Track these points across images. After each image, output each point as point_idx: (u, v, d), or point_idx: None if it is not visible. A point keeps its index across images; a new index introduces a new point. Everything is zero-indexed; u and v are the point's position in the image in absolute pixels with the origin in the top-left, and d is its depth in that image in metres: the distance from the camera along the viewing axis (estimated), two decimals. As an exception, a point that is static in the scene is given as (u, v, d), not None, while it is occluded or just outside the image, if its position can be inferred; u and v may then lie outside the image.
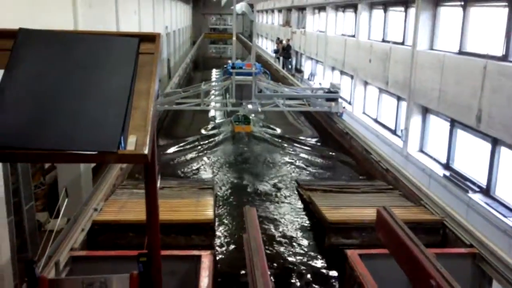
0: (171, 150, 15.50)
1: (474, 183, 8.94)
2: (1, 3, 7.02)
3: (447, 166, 10.03)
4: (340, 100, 16.72)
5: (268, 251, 7.08)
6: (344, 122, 16.16)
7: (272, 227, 10.20)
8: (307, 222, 10.51)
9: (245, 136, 15.94)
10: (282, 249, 9.41)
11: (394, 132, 12.99)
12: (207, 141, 16.37)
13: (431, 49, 11.02)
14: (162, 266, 3.90)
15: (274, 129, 18.55)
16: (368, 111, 15.54)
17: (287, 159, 14.71)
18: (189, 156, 14.78)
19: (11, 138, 2.24)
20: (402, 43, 12.67)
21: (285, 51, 28.49)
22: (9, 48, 2.54)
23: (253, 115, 17.65)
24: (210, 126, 18.87)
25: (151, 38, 2.78)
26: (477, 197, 8.53)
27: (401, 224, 6.35)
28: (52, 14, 9.14)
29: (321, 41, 21.19)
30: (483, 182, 8.75)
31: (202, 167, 13.83)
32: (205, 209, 9.26)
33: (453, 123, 9.83)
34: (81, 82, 2.47)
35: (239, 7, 52.82)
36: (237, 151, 15.01)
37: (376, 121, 14.51)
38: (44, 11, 8.72)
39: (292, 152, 15.46)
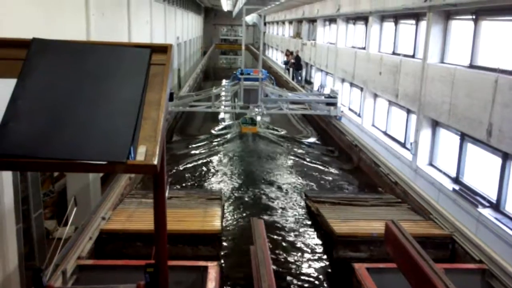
0: (184, 146, 17.22)
1: (484, 198, 8.86)
2: (16, 13, 7.12)
3: (456, 180, 9.95)
4: (339, 105, 17.93)
5: (273, 257, 7.01)
6: (353, 134, 16.14)
7: (270, 204, 12.05)
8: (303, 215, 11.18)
9: (251, 135, 17.35)
10: (289, 258, 9.37)
11: (403, 145, 12.93)
12: (217, 139, 17.99)
13: (442, 62, 10.99)
14: (169, 277, 3.89)
15: (278, 130, 19.97)
16: (377, 124, 15.50)
17: (286, 154, 16.53)
18: (199, 151, 16.49)
19: (23, 147, 2.25)
20: (413, 56, 12.65)
21: (295, 63, 28.58)
22: (23, 58, 2.57)
23: (259, 117, 19.10)
24: (219, 127, 20.42)
25: (163, 49, 2.80)
26: (487, 212, 8.44)
27: (410, 238, 6.31)
28: (65, 23, 9.24)
29: (331, 53, 21.22)
30: (493, 197, 8.66)
31: (211, 160, 15.46)
32: (213, 219, 9.25)
33: (463, 137, 9.77)
34: (93, 92, 2.49)
35: (250, 19, 53.12)
36: (244, 148, 16.62)
37: (385, 133, 14.46)
38: (58, 20, 8.83)
39: (292, 149, 17.28)
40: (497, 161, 8.57)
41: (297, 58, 28.52)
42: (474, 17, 9.67)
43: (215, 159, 15.56)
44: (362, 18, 17.42)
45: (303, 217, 11.25)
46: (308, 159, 15.96)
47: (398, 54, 13.64)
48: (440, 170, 10.74)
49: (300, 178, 14.04)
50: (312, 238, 10.27)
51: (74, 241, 7.71)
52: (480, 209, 8.54)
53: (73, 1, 9.82)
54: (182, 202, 10.22)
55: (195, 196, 10.76)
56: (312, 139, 19.45)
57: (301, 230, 10.59)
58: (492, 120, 8.42)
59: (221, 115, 22.70)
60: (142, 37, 17.07)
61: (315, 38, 25.59)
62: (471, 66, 9.68)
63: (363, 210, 10.22)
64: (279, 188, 13.09)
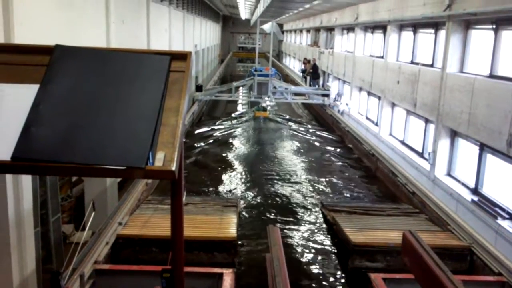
0: (211, 124, 22.82)
1: (503, 209, 8.72)
2: (40, 20, 7.25)
3: (475, 191, 9.82)
4: (331, 96, 22.75)
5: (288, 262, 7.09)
6: (370, 142, 16.06)
7: (273, 155, 17.70)
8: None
9: (262, 118, 23.37)
10: (304, 266, 9.32)
11: (421, 154, 12.81)
12: (236, 120, 23.90)
13: (461, 71, 10.89)
14: (184, 283, 3.90)
15: (283, 115, 25.80)
16: (395, 133, 15.39)
17: (287, 129, 22.47)
18: (223, 126, 22.24)
19: (44, 152, 2.29)
20: (431, 65, 12.56)
21: (312, 71, 28.54)
22: (45, 64, 2.62)
23: (269, 107, 25.36)
24: (238, 112, 26.61)
25: (182, 56, 2.83)
26: (507, 224, 8.31)
27: (428, 249, 6.24)
28: (87, 30, 9.39)
29: (349, 61, 21.17)
30: (513, 209, 8.54)
31: (232, 132, 21.04)
32: (228, 226, 9.26)
33: (483, 147, 9.65)
34: (113, 98, 2.52)
35: (268, 27, 53.28)
36: (257, 126, 22.51)
37: (403, 143, 14.35)
38: (79, 27, 8.97)
39: (291, 127, 22.96)
40: (517, 172, 8.45)
41: (315, 67, 28.49)
42: (494, 26, 9.58)
43: (235, 132, 21.19)
44: (380, 27, 17.36)
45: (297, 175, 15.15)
46: (302, 133, 21.43)
47: (417, 63, 13.56)
48: (458, 181, 10.62)
49: (295, 142, 19.61)
50: (328, 247, 10.21)
51: (91, 246, 7.78)
52: (500, 221, 8.42)
53: (94, 8, 9.96)
54: (198, 208, 10.26)
55: (211, 203, 10.79)
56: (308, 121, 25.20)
57: (317, 237, 10.54)
58: (512, 131, 8.31)
59: (239, 103, 29.25)
60: (161, 44, 17.24)
61: (333, 47, 25.56)
62: (491, 76, 9.58)
63: (380, 219, 10.14)
64: (280, 147, 19.00)
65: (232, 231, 9.07)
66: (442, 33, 11.95)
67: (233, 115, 25.34)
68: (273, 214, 11.82)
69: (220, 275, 7.09)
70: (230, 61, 61.75)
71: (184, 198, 3.33)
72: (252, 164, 16.17)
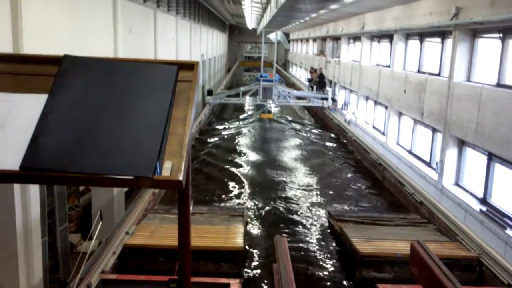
0: (221, 124, 25.39)
1: (512, 220, 8.65)
2: (48, 31, 7.31)
3: (483, 201, 9.75)
4: (329, 100, 24.46)
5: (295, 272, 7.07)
6: (377, 152, 16.01)
7: (278, 148, 20.45)
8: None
9: (267, 120, 25.61)
10: (311, 277, 9.26)
11: (428, 164, 12.75)
12: (243, 121, 26.14)
13: (468, 80, 10.85)
14: (192, 293, 3.88)
15: (286, 117, 28.03)
16: (402, 142, 15.34)
17: (289, 129, 24.79)
18: (231, 126, 24.75)
19: (52, 161, 2.29)
20: (438, 74, 12.53)
21: (319, 80, 28.56)
22: (54, 74, 2.63)
23: (273, 110, 28.11)
24: (245, 115, 28.67)
25: (190, 66, 2.83)
26: (516, 234, 8.23)
27: (436, 259, 6.18)
28: (94, 39, 9.45)
29: (356, 70, 21.18)
30: (523, 219, 8.46)
31: (240, 131, 23.51)
32: (235, 236, 9.23)
33: (491, 156, 9.59)
34: (121, 107, 2.53)
35: (274, 36, 53.47)
36: (262, 126, 24.77)
37: (410, 152, 14.29)
38: (87, 36, 9.03)
39: (294, 127, 25.30)
40: (526, 182, 8.38)
41: (321, 76, 28.51)
42: (501, 35, 9.56)
43: (242, 130, 23.57)
44: (386, 36, 17.37)
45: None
46: (303, 133, 23.71)
47: (424, 72, 13.53)
48: (466, 191, 10.54)
49: (297, 139, 22.23)
50: (335, 257, 10.15)
51: (98, 256, 7.77)
52: (509, 231, 8.34)
53: (102, 18, 10.04)
54: (205, 218, 10.24)
55: (218, 212, 10.77)
56: (308, 122, 27.49)
57: (323, 245, 10.48)
58: (521, 140, 8.26)
59: (246, 106, 31.41)
60: (168, 54, 17.33)
61: (339, 56, 25.59)
62: (499, 85, 9.54)
63: (388, 229, 10.07)
64: (284, 144, 21.11)
65: (239, 241, 9.04)
66: (448, 42, 11.93)
67: (240, 117, 27.72)
68: (274, 194, 13.96)
69: (227, 286, 7.07)
70: (236, 70, 61.91)
71: (191, 208, 3.33)
72: (258, 154, 19.02)
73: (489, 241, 8.68)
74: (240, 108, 30.97)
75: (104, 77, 2.63)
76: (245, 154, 18.89)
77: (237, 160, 17.80)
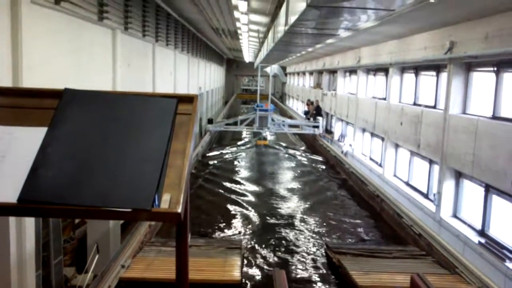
0: (221, 149, 27.09)
1: (511, 252, 8.59)
2: (48, 65, 7.40)
3: (482, 233, 9.70)
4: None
5: None
6: (374, 183, 15.99)
7: (272, 168, 22.90)
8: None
9: (263, 146, 27.57)
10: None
11: (426, 196, 12.74)
12: (241, 147, 28.22)
13: (464, 113, 10.96)
14: (188, 328, 3.81)
15: (280, 143, 29.75)
16: (399, 174, 15.36)
17: (283, 153, 26.75)
18: (230, 151, 26.66)
19: (50, 194, 2.29)
20: (434, 107, 12.66)
21: (315, 113, 28.76)
22: (54, 107, 2.65)
23: (269, 137, 29.91)
24: (242, 142, 30.67)
25: (189, 99, 2.86)
26: (516, 267, 8.17)
27: (436, 293, 6.11)
28: (94, 74, 9.55)
29: (352, 103, 21.37)
30: (522, 251, 8.41)
31: (238, 155, 25.47)
32: (232, 269, 9.13)
33: (488, 188, 9.59)
34: (120, 140, 2.54)
35: (271, 69, 54.06)
36: (258, 151, 26.70)
37: (407, 184, 14.29)
38: (87, 70, 9.13)
39: (287, 152, 27.07)
40: (524, 213, 8.37)
41: (318, 108, 28.72)
42: (495, 68, 9.70)
43: (240, 155, 25.56)
44: (382, 69, 17.60)
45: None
46: (296, 157, 25.41)
47: (419, 105, 13.66)
48: (464, 222, 10.51)
49: (289, 161, 24.42)
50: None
51: (93, 289, 7.65)
52: (508, 264, 8.28)
53: (102, 53, 10.17)
54: (202, 250, 10.14)
55: (215, 245, 10.67)
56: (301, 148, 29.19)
57: (321, 278, 10.35)
58: (517, 172, 8.28)
59: (243, 134, 33.57)
60: (166, 87, 17.49)
61: (336, 89, 25.85)
62: (494, 117, 9.62)
63: (386, 262, 9.98)
64: (278, 165, 23.64)
65: (236, 274, 8.94)
66: (443, 75, 12.09)
67: (238, 143, 29.90)
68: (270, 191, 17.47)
69: (224, 320, 6.95)
70: (234, 102, 62.32)
71: (188, 240, 3.30)
72: (255, 171, 21.87)
73: (488, 273, 8.61)
74: (237, 136, 33.10)
75: (104, 110, 2.65)
76: (243, 173, 21.37)
77: (236, 178, 19.95)
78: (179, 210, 2.35)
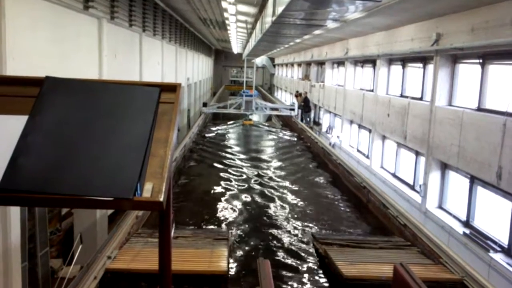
0: (213, 127, 32.02)
1: (495, 242, 8.71)
2: (33, 54, 7.31)
3: (467, 224, 9.82)
4: (295, 110, 29.17)
5: None
6: (361, 175, 16.08)
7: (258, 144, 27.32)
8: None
9: (249, 126, 32.30)
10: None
11: (412, 187, 12.84)
12: (231, 126, 32.71)
13: (450, 105, 11.04)
14: (174, 318, 3.82)
15: (263, 123, 35.05)
16: (386, 165, 15.45)
17: (266, 131, 31.52)
18: (221, 128, 31.34)
19: (31, 183, 2.27)
20: (421, 99, 12.73)
21: (304, 104, 28.81)
22: (35, 95, 2.62)
23: (253, 119, 35.01)
24: (231, 122, 34.18)
25: (172, 88, 2.84)
26: (499, 257, 8.28)
27: (419, 282, 6.17)
28: (79, 63, 9.46)
29: (340, 95, 21.42)
30: (505, 242, 8.52)
31: (227, 131, 30.40)
32: (219, 260, 9.13)
33: (473, 179, 9.70)
34: (102, 129, 2.52)
35: (260, 61, 53.90)
36: (244, 129, 31.44)
37: (394, 175, 14.39)
38: (72, 60, 9.04)
39: (270, 131, 31.72)
40: (508, 205, 8.47)
41: (306, 100, 28.76)
42: (481, 61, 9.77)
43: (229, 132, 30.15)
44: (370, 61, 17.65)
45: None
46: (275, 135, 29.68)
47: (406, 97, 13.73)
48: (450, 213, 10.62)
49: (269, 137, 29.27)
50: (320, 281, 10.08)
51: (79, 281, 7.61)
52: (492, 254, 8.39)
53: (87, 42, 10.06)
54: (188, 242, 10.12)
55: (202, 236, 10.66)
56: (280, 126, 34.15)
57: (307, 268, 10.41)
58: (501, 163, 8.38)
59: (231, 115, 37.39)
60: (153, 77, 17.38)
61: (324, 80, 25.88)
62: (479, 109, 9.71)
63: (372, 252, 10.05)
64: (261, 140, 28.22)
65: (222, 264, 8.95)
66: (430, 67, 12.16)
67: (228, 123, 34.12)
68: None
69: (210, 310, 6.96)
70: (222, 94, 62.14)
71: (173, 231, 3.29)
72: (241, 144, 26.38)
73: (472, 263, 8.72)
74: (227, 117, 37.66)
75: (85, 99, 2.63)
76: (232, 144, 25.97)
77: (227, 149, 24.21)
78: (161, 199, 2.34)
